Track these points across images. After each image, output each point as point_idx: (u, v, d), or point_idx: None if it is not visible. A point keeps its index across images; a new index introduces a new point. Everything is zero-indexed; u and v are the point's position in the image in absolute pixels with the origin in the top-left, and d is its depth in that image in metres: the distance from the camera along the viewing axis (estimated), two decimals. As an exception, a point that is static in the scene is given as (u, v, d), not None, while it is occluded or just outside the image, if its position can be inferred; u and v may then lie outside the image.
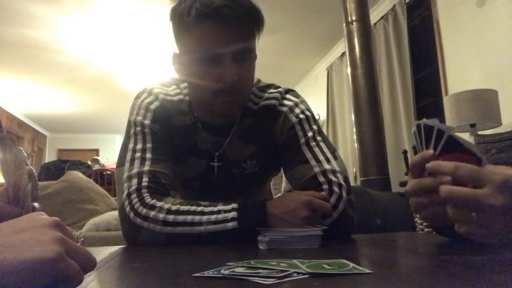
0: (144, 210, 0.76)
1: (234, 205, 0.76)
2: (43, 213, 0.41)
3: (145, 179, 0.80)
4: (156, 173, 0.81)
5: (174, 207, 0.76)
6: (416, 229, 2.30)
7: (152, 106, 0.88)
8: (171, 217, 0.75)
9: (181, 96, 0.91)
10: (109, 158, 8.71)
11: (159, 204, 0.77)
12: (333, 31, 4.45)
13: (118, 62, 5.09)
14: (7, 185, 0.51)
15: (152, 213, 0.76)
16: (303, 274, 0.40)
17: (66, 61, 5.14)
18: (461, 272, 0.42)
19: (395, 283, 0.38)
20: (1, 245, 0.33)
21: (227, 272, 0.42)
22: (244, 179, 0.95)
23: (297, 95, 0.96)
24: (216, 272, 0.42)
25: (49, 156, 9.30)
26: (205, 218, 0.74)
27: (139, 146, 0.84)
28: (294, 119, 0.90)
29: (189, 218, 0.75)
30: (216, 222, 0.74)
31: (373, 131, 2.97)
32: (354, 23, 3.13)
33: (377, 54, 3.71)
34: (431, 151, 0.56)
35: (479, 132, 2.35)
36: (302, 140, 0.88)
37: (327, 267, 0.43)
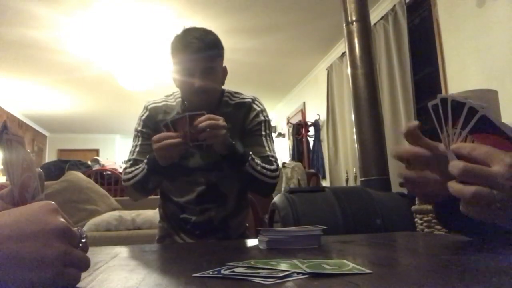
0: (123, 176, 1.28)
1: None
2: (51, 203, 0.42)
3: (132, 158, 1.30)
4: (137, 160, 1.29)
5: (128, 169, 1.27)
6: (416, 229, 2.30)
7: (143, 117, 1.35)
8: (127, 175, 1.26)
9: (164, 103, 1.37)
10: (109, 158, 8.71)
11: (127, 169, 1.28)
12: (333, 31, 4.46)
13: (118, 62, 5.09)
14: (14, 186, 0.51)
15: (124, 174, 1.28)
16: (303, 274, 0.40)
17: (66, 61, 5.14)
18: (461, 272, 0.42)
19: (395, 283, 0.38)
20: (5, 259, 0.35)
21: (227, 272, 0.42)
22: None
23: (261, 102, 1.41)
24: (216, 272, 0.42)
25: (49, 156, 9.30)
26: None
27: (134, 143, 1.35)
28: (262, 118, 1.34)
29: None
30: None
31: (373, 131, 2.97)
32: (354, 23, 3.13)
33: (377, 54, 3.71)
34: (416, 122, 0.54)
35: (479, 132, 2.35)
36: (263, 133, 1.33)
37: (327, 267, 0.43)
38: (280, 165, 3.25)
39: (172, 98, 1.38)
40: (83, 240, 0.44)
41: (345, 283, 0.37)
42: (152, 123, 1.32)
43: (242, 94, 1.40)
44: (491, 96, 2.70)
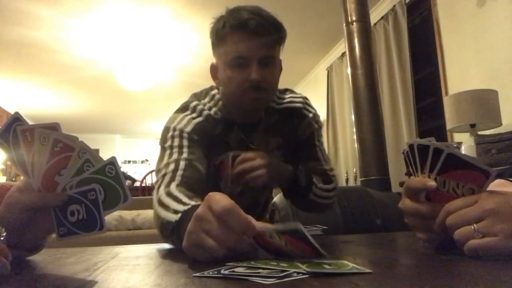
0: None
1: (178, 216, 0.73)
2: None
3: (181, 166, 0.90)
4: (193, 162, 0.92)
5: (172, 191, 0.83)
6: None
7: (195, 121, 0.99)
8: (162, 197, 0.82)
9: (215, 109, 1.03)
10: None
11: (170, 187, 0.85)
12: (333, 31, 4.45)
13: (119, 62, 5.09)
14: (32, 179, 0.50)
15: (161, 190, 0.86)
16: (303, 274, 0.40)
17: (66, 61, 5.13)
18: (461, 272, 0.42)
19: (395, 283, 0.38)
20: None
21: (227, 272, 0.42)
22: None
23: (311, 103, 1.17)
24: (216, 272, 0.42)
25: (49, 156, 9.28)
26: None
27: (175, 144, 0.95)
28: (315, 125, 1.12)
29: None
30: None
31: (373, 131, 2.97)
32: (354, 23, 3.12)
33: (377, 54, 3.71)
34: (433, 183, 0.54)
35: (479, 132, 2.35)
36: (316, 143, 1.12)
37: (327, 267, 0.43)
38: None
39: (207, 105, 1.04)
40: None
41: (345, 283, 0.37)
42: (204, 136, 0.99)
43: (289, 93, 1.14)
44: (491, 96, 2.70)
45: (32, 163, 0.51)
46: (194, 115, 1.00)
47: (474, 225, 0.48)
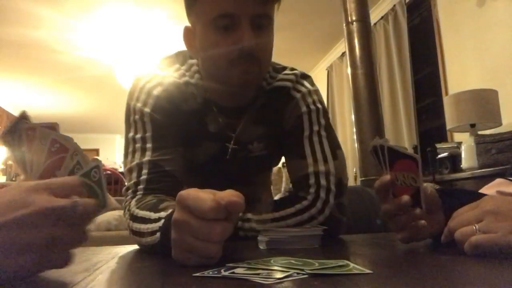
0: (127, 213, 0.74)
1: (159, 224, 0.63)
2: (34, 182, 0.41)
3: (144, 171, 0.76)
4: (159, 161, 0.77)
5: (135, 212, 0.70)
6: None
7: (155, 92, 0.80)
8: (131, 224, 0.70)
9: (186, 78, 0.83)
10: (109, 158, 8.73)
11: (131, 207, 0.72)
12: (333, 31, 4.45)
13: (119, 62, 5.09)
14: (32, 177, 0.50)
15: (127, 215, 0.73)
16: (303, 274, 0.40)
17: (66, 61, 5.13)
18: (462, 272, 0.42)
19: (395, 283, 0.38)
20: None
21: (227, 272, 0.42)
22: (249, 163, 0.90)
23: (312, 83, 0.93)
24: (216, 272, 0.42)
25: (49, 156, 9.27)
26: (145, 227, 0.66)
27: (138, 136, 0.80)
28: (304, 108, 0.86)
29: (137, 226, 0.68)
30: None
31: (373, 131, 2.97)
32: (354, 23, 3.12)
33: (377, 54, 3.71)
34: (388, 177, 0.60)
35: (479, 132, 2.35)
36: (306, 133, 0.85)
37: (328, 267, 0.43)
38: (279, 165, 3.24)
39: (176, 73, 0.84)
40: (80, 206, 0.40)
41: (345, 283, 0.37)
42: (169, 111, 0.81)
43: (284, 69, 0.91)
44: (491, 96, 2.70)
45: (31, 162, 0.51)
46: (153, 83, 0.81)
47: (475, 225, 0.49)
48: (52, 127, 0.53)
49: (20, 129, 0.51)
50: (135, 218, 0.69)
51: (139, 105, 0.81)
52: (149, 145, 0.78)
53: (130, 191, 0.77)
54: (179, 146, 0.83)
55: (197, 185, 0.63)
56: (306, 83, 0.91)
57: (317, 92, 0.92)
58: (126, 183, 0.79)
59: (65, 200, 0.40)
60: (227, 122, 0.86)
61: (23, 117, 0.52)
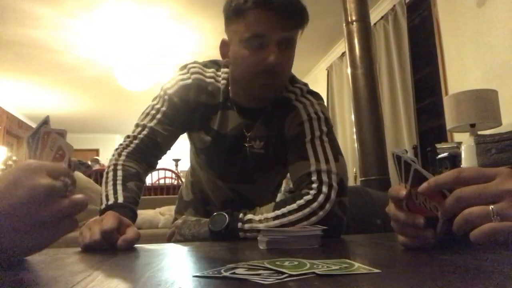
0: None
1: None
2: (31, 163, 0.46)
3: (144, 133, 0.98)
4: (157, 132, 0.97)
5: (118, 167, 0.94)
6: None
7: (182, 82, 0.99)
8: (107, 169, 0.95)
9: (212, 80, 1.01)
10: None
11: (120, 157, 0.96)
12: (333, 31, 4.45)
13: (119, 62, 5.09)
14: None
15: (114, 156, 0.97)
16: (304, 274, 0.40)
17: (66, 61, 5.14)
18: (462, 272, 0.42)
19: (396, 283, 0.38)
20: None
21: (227, 273, 0.42)
22: (249, 158, 1.02)
23: (318, 98, 1.04)
24: (216, 272, 0.42)
25: (49, 156, 9.28)
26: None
27: (156, 106, 1.00)
28: (305, 116, 0.96)
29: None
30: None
31: (373, 131, 2.97)
32: (354, 23, 3.13)
33: (377, 54, 3.71)
34: (403, 192, 0.56)
35: (479, 132, 2.35)
36: (308, 138, 0.94)
37: (333, 267, 0.43)
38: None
39: (208, 74, 1.02)
40: (69, 186, 0.48)
41: (346, 283, 0.37)
42: (187, 99, 0.98)
43: (296, 82, 1.05)
44: (491, 96, 2.70)
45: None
46: (183, 76, 1.01)
47: (492, 206, 0.42)
48: (61, 133, 0.55)
49: (40, 132, 0.54)
50: (113, 172, 0.93)
51: (167, 86, 1.01)
52: (158, 116, 0.98)
53: (128, 139, 0.99)
54: (180, 130, 1.02)
55: (207, 179, 1.11)
56: (310, 97, 1.02)
57: (321, 105, 1.02)
58: (131, 133, 1.00)
59: (58, 181, 0.47)
60: (240, 122, 1.00)
61: (46, 122, 0.55)
